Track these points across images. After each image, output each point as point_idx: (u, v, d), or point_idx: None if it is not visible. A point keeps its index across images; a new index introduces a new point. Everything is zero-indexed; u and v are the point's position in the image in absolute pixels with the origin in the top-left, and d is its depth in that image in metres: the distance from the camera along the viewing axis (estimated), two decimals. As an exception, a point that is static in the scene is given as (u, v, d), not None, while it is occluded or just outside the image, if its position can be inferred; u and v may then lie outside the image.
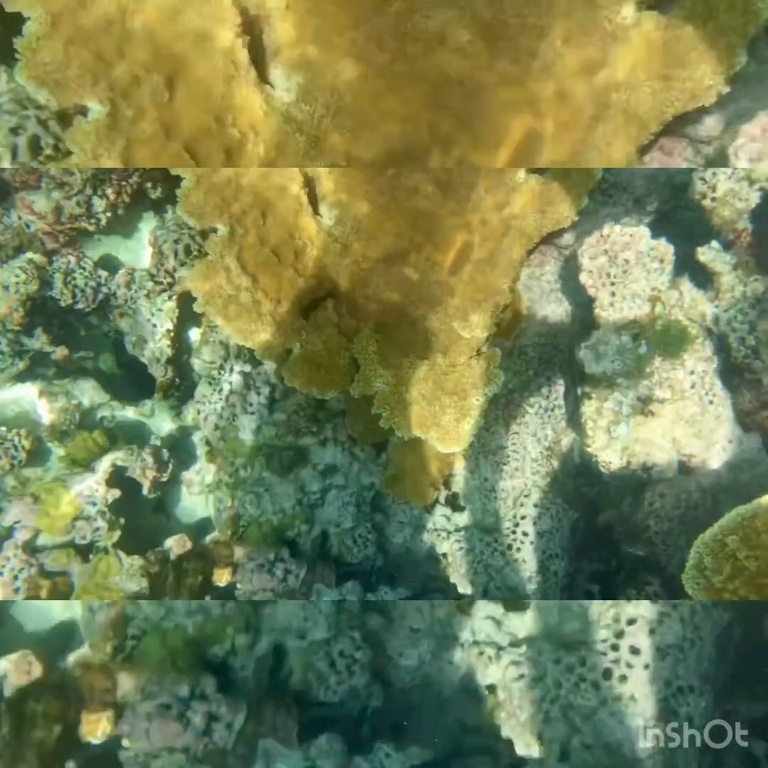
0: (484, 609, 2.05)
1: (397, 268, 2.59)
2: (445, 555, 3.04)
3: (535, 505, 2.87)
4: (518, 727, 1.80)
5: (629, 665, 1.82)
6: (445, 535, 3.04)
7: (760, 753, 1.80)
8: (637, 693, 1.77)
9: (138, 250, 2.83)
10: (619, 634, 1.87)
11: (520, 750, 1.79)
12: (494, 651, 2.01)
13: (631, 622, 1.87)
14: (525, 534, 2.83)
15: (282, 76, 2.06)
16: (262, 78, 2.07)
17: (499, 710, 1.86)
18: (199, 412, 2.83)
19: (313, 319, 2.60)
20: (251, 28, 2.02)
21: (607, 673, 1.82)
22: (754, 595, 1.73)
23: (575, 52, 1.96)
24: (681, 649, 1.78)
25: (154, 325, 2.82)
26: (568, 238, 2.72)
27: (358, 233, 2.55)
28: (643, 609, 1.93)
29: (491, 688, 1.94)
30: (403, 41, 1.91)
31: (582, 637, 1.94)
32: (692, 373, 2.13)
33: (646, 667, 1.79)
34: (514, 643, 1.98)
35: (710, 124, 2.14)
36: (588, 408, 2.21)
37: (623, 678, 1.79)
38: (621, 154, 2.09)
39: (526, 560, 2.79)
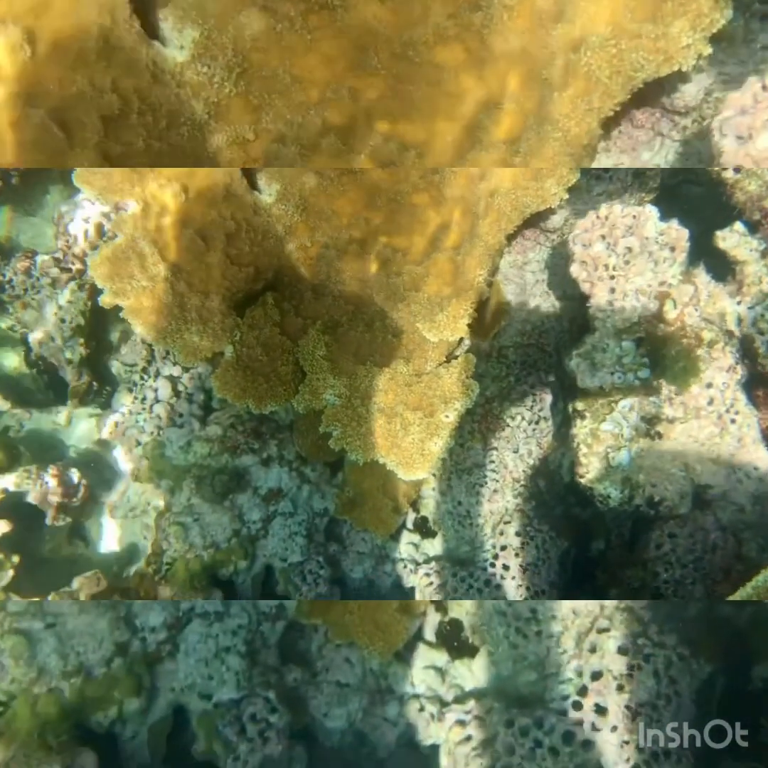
0: (426, 656, 1.74)
1: (351, 255, 2.14)
2: (412, 589, 2.62)
3: (518, 534, 2.46)
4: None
5: (594, 728, 1.52)
6: (413, 566, 2.62)
7: None
8: (604, 760, 1.48)
9: (40, 230, 2.35)
10: (582, 691, 1.57)
11: None
12: (437, 708, 1.72)
13: (596, 676, 1.56)
14: (506, 568, 2.42)
15: (173, 30, 1.59)
16: (150, 32, 1.61)
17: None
18: (116, 425, 2.38)
19: (249, 317, 2.16)
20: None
21: (568, 737, 1.52)
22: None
23: (526, 4, 1.52)
24: (655, 707, 1.50)
25: (63, 320, 2.35)
26: (556, 221, 2.29)
27: (304, 212, 2.10)
28: (609, 661, 1.60)
29: (434, 750, 1.71)
30: (318, -12, 1.47)
31: (539, 692, 1.64)
32: (710, 385, 1.72)
33: (614, 729, 1.49)
34: (460, 699, 1.68)
35: (689, 93, 1.76)
36: (580, 430, 1.79)
37: (587, 743, 1.50)
38: (581, 128, 1.67)
39: (507, 598, 2.38)
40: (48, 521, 2.27)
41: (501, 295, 2.45)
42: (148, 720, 1.67)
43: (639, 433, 1.72)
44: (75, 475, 2.32)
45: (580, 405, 1.85)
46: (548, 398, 2.47)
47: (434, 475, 2.57)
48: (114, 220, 2.01)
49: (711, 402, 1.72)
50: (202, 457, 2.33)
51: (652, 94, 1.70)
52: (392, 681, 1.80)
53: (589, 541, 2.57)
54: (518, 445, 2.52)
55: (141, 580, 2.38)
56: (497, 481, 2.53)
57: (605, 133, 1.70)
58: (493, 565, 2.44)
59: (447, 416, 2.04)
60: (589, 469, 1.78)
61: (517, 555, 2.43)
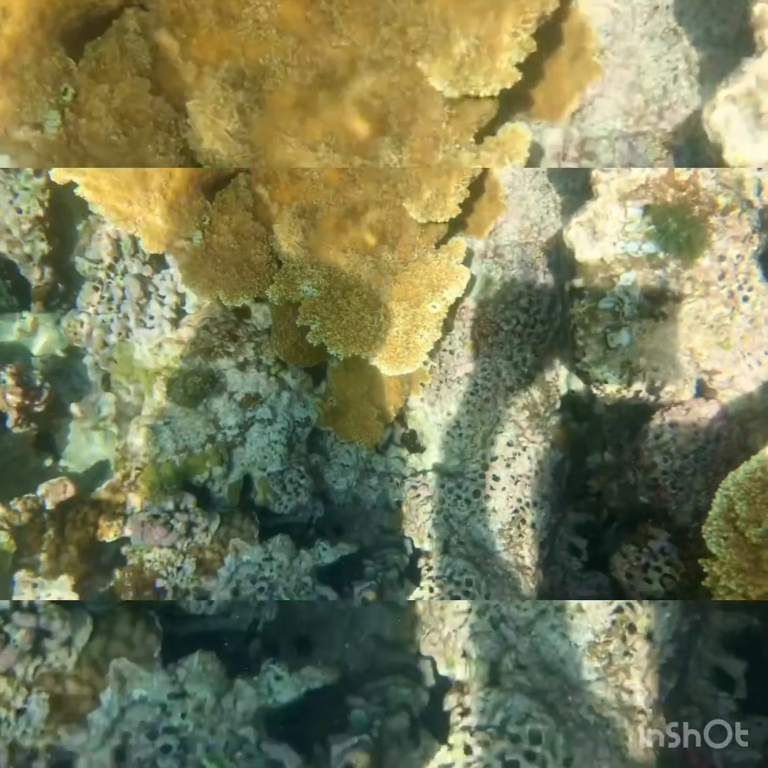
0: (394, 451, 2.55)
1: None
2: (398, 503, 2.52)
3: (510, 444, 2.34)
4: (415, 529, 2.30)
5: (492, 488, 2.25)
6: (399, 480, 2.51)
7: (582, 546, 2.29)
8: (497, 506, 2.21)
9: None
10: (485, 467, 2.31)
11: (418, 544, 2.25)
12: (400, 479, 2.49)
13: (494, 458, 2.30)
14: (496, 478, 2.31)
15: None
16: None
17: (404, 520, 2.38)
18: (82, 325, 2.22)
19: (219, 201, 1.98)
20: None
21: (476, 493, 2.25)
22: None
23: None
24: (529, 477, 2.24)
25: (20, 211, 2.16)
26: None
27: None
28: (501, 450, 2.31)
29: (398, 504, 2.48)
30: None
31: (460, 468, 2.37)
32: (722, 258, 1.55)
33: (503, 489, 2.25)
34: (414, 474, 2.47)
35: None
36: (578, 309, 1.64)
37: (487, 497, 2.23)
38: None
39: (497, 509, 2.28)
40: (9, 425, 2.13)
41: (498, 187, 2.25)
42: (228, 481, 2.22)
43: (642, 312, 1.56)
44: (37, 377, 2.18)
45: (578, 282, 1.69)
46: (546, 300, 2.30)
47: (422, 384, 2.44)
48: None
49: (722, 276, 1.55)
50: (173, 360, 2.18)
51: None
52: (374, 464, 2.52)
53: (584, 455, 2.45)
54: (512, 352, 2.37)
55: (114, 492, 2.27)
56: (489, 390, 2.39)
57: None
58: (482, 476, 2.33)
59: (434, 306, 1.88)
60: (586, 352, 1.63)
61: (507, 466, 2.31)
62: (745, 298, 1.56)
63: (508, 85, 1.30)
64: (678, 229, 1.53)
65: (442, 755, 1.35)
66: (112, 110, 1.44)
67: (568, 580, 2.38)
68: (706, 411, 1.60)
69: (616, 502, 1.84)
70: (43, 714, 1.30)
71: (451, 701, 1.52)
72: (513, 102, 1.48)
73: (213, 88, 1.41)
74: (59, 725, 1.30)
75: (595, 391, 1.69)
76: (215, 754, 1.25)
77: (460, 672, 1.54)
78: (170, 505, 2.01)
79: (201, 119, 1.44)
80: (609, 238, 1.57)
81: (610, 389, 1.61)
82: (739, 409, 1.61)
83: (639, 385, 1.57)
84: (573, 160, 1.63)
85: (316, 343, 1.93)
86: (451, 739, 1.41)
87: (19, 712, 1.28)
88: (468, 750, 1.35)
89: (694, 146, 1.51)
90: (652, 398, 1.58)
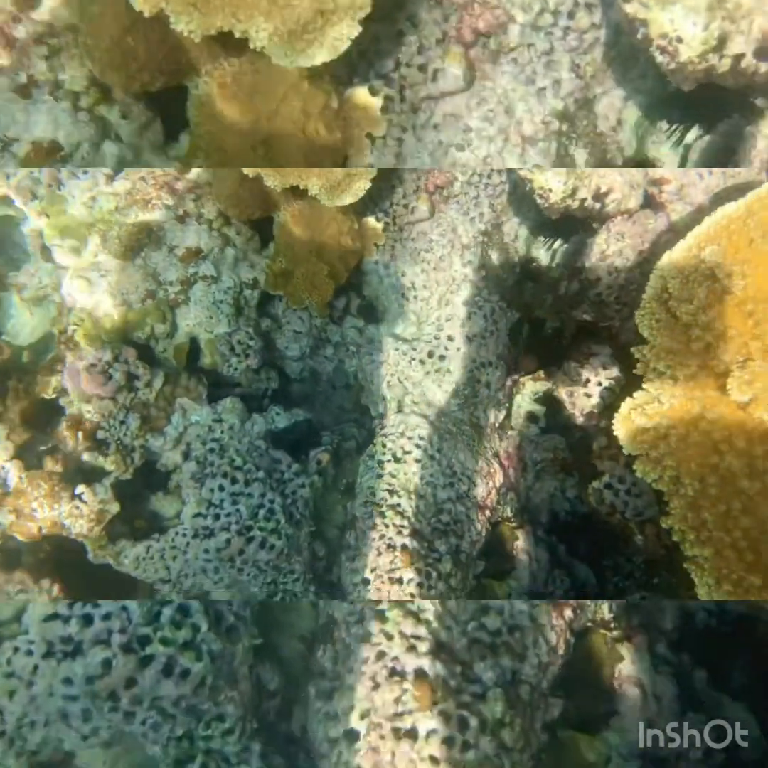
0: (350, 321, 2.50)
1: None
2: (355, 375, 2.47)
3: (465, 303, 2.27)
4: (369, 394, 2.32)
5: (446, 349, 2.23)
6: (355, 349, 2.45)
7: (540, 414, 2.32)
8: (459, 315, 2.25)
9: None
10: (441, 328, 2.25)
11: (373, 411, 2.29)
12: (355, 347, 2.47)
13: (449, 318, 2.26)
14: (450, 338, 2.25)
15: None
16: None
17: (363, 394, 2.37)
18: (7, 177, 2.08)
19: None
20: None
21: (431, 353, 2.23)
22: (739, 326, 1.17)
23: None
24: (483, 337, 2.22)
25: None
26: None
27: None
28: (457, 311, 2.26)
29: (355, 377, 2.49)
30: None
31: (416, 334, 2.32)
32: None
33: (458, 349, 2.22)
34: (370, 342, 2.42)
35: None
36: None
37: (442, 357, 2.22)
38: None
39: (452, 370, 2.23)
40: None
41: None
42: (173, 342, 2.17)
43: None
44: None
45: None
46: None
47: (376, 245, 2.34)
48: None
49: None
50: (108, 212, 2.06)
51: None
52: (329, 334, 2.50)
53: (543, 321, 2.39)
54: (469, 206, 2.27)
55: (58, 362, 2.19)
56: (445, 247, 2.30)
57: None
58: (437, 337, 2.27)
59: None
60: (529, 159, 1.53)
61: (462, 325, 2.25)
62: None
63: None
64: None
65: (371, 449, 2.09)
66: None
67: (524, 445, 2.37)
68: (654, 223, 1.52)
69: (547, 312, 1.78)
70: (137, 425, 1.97)
71: (376, 423, 2.22)
72: None
73: None
74: (146, 433, 2.00)
75: (539, 201, 1.60)
76: (240, 453, 1.99)
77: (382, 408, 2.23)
78: (108, 356, 1.94)
79: None
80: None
81: (555, 198, 1.52)
82: (688, 222, 1.53)
83: (584, 193, 1.48)
84: None
85: (253, 174, 1.81)
86: (376, 441, 2.10)
87: (122, 422, 1.96)
88: (383, 445, 2.05)
89: None
90: (596, 206, 1.50)
